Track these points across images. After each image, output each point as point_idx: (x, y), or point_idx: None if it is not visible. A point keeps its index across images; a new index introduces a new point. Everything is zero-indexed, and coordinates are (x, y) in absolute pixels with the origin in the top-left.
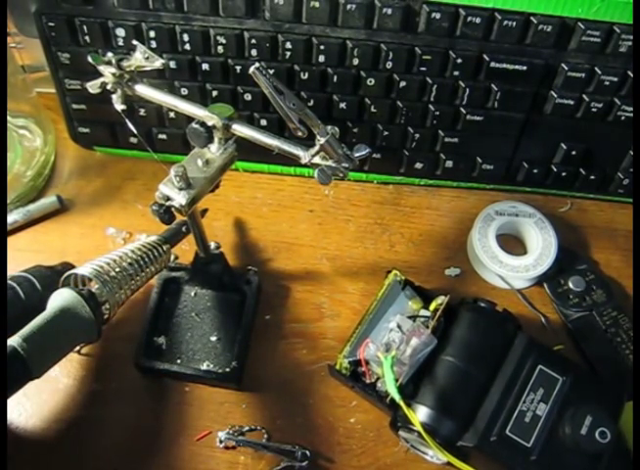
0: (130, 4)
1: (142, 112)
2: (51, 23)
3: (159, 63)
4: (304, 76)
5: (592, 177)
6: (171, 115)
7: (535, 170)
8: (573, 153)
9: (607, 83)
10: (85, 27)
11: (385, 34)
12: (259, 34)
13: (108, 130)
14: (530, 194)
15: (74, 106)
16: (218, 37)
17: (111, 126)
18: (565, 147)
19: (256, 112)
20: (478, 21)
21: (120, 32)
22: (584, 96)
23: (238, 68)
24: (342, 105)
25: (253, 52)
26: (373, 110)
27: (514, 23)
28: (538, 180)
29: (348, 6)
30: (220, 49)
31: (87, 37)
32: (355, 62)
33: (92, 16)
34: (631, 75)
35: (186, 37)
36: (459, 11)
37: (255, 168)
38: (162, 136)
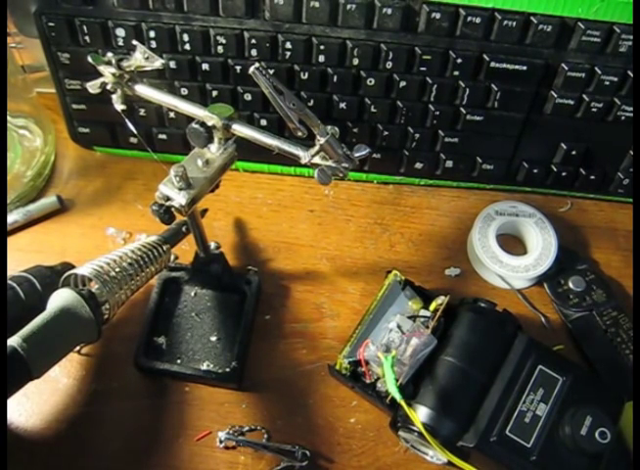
0: (130, 4)
1: (142, 112)
2: (51, 23)
3: (159, 63)
4: (304, 76)
5: (592, 177)
6: (171, 115)
7: (535, 170)
8: (573, 153)
9: (607, 83)
10: (85, 27)
11: (385, 34)
12: (259, 34)
13: (108, 130)
14: (530, 194)
15: (74, 106)
16: (218, 37)
17: (111, 126)
18: (565, 147)
19: (256, 112)
20: (478, 21)
21: (120, 32)
22: (584, 96)
23: (238, 68)
24: (342, 105)
25: (253, 52)
26: (373, 110)
27: (514, 23)
28: (538, 180)
29: (348, 6)
30: (220, 49)
31: (87, 37)
32: (355, 62)
33: (92, 16)
34: (631, 75)
35: (186, 37)
36: (459, 11)
37: (255, 168)
38: (162, 136)
